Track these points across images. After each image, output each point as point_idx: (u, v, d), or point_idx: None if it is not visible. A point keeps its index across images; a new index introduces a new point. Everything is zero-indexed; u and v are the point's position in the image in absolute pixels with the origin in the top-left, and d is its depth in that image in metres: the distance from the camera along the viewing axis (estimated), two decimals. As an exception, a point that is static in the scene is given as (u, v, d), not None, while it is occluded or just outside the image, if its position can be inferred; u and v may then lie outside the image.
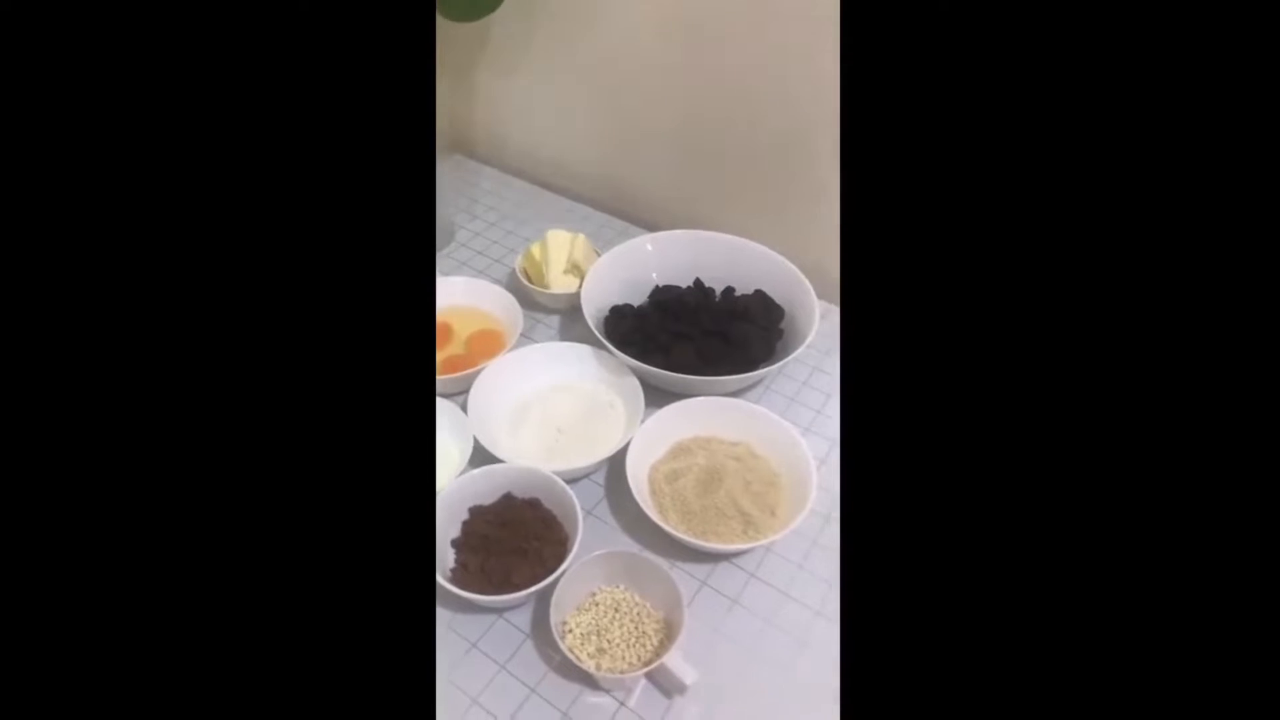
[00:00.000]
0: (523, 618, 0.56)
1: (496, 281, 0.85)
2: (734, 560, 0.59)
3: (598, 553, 0.54)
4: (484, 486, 0.60)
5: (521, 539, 0.56)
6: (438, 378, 0.70)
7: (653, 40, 0.84)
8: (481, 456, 0.62)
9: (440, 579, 0.53)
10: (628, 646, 0.52)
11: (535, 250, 0.81)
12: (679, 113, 0.87)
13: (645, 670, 0.49)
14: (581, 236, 0.81)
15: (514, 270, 0.85)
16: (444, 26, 0.77)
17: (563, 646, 0.50)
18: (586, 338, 0.75)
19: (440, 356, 0.74)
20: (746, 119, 0.83)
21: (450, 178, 1.02)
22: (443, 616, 0.56)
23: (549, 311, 0.82)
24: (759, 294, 0.76)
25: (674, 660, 0.49)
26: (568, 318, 0.82)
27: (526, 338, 0.76)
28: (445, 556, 0.57)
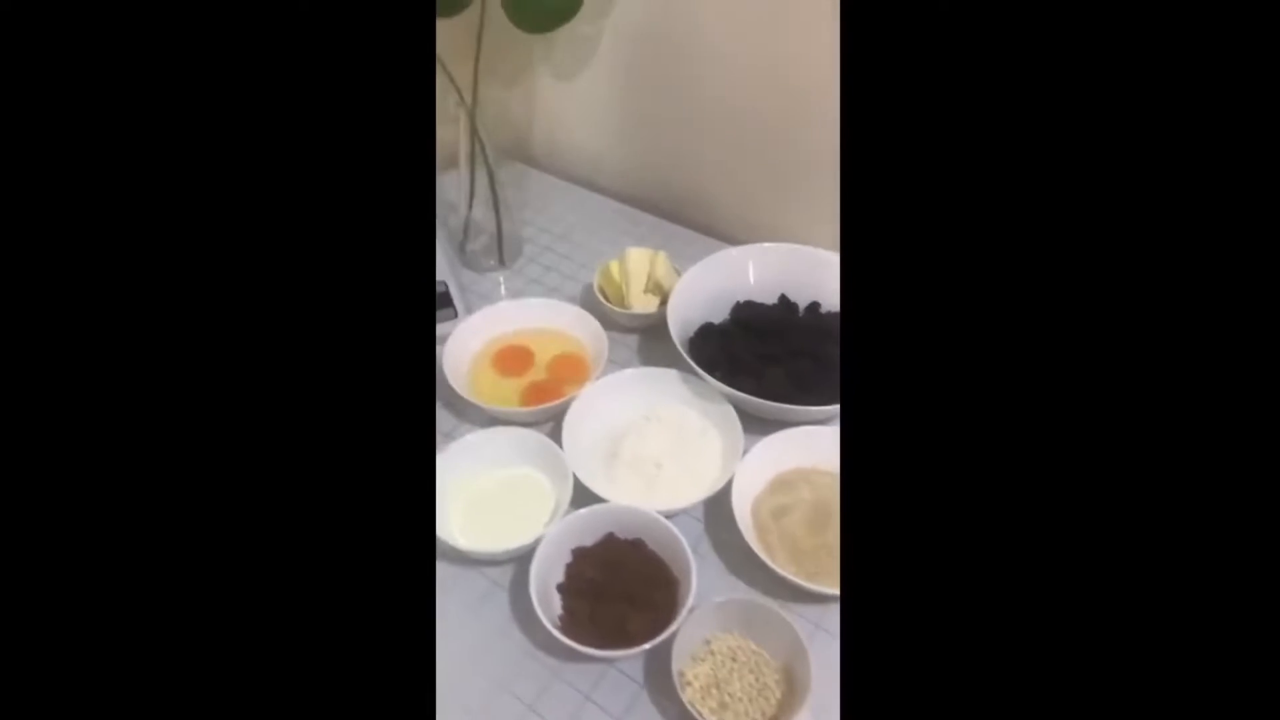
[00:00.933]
0: (634, 666, 0.54)
1: (571, 299, 0.83)
2: (847, 601, 0.57)
3: (715, 601, 0.52)
4: (586, 526, 0.58)
5: (630, 584, 0.54)
6: (519, 408, 0.68)
7: (725, 40, 0.80)
8: (579, 493, 0.60)
9: (550, 627, 0.51)
10: (750, 701, 0.50)
11: (614, 268, 0.78)
12: (754, 118, 0.84)
13: (779, 731, 0.47)
14: (662, 254, 0.78)
15: (588, 287, 0.83)
16: (504, 28, 0.74)
17: (686, 702, 0.49)
18: (666, 358, 0.72)
19: (522, 384, 0.72)
20: (826, 123, 0.79)
21: (513, 188, 0.99)
22: (549, 665, 0.54)
23: (626, 331, 0.79)
24: (852, 312, 0.73)
25: (805, 718, 0.46)
26: (645, 337, 0.79)
27: (612, 362, 0.74)
28: (551, 601, 0.55)
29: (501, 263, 0.88)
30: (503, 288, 0.86)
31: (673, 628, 0.50)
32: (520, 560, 0.59)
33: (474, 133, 0.78)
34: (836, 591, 0.55)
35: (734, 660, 0.52)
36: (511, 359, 0.74)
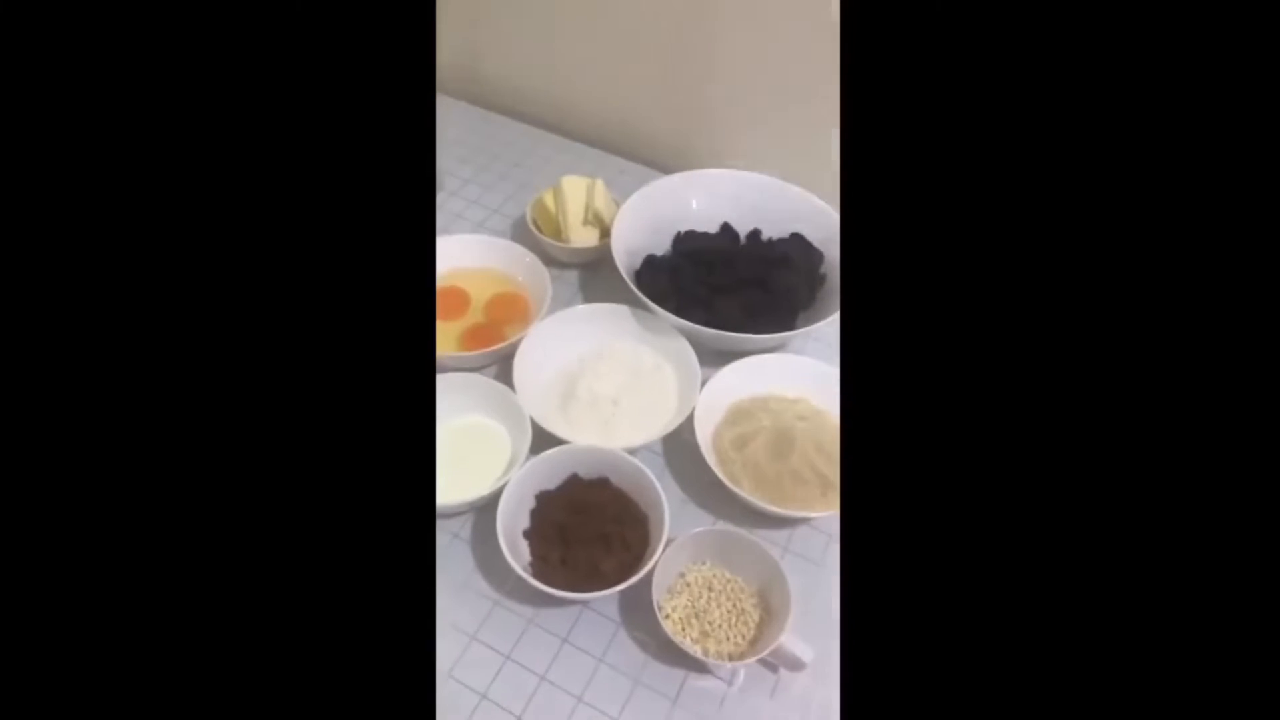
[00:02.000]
0: (609, 605, 0.53)
1: (500, 234, 0.78)
2: (812, 523, 0.58)
3: (689, 533, 0.52)
4: (548, 470, 0.55)
5: (600, 524, 0.53)
6: (464, 352, 0.64)
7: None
8: (535, 437, 0.57)
9: (521, 571, 0.49)
10: (730, 627, 0.50)
11: (548, 199, 0.74)
12: (685, 32, 0.80)
13: (766, 653, 0.47)
14: (600, 182, 0.74)
15: (519, 221, 0.78)
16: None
17: (669, 633, 0.48)
18: (611, 292, 0.70)
19: (459, 327, 0.68)
20: (764, 41, 0.76)
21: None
22: (522, 613, 0.52)
23: (564, 266, 0.76)
24: (797, 238, 0.73)
25: (791, 640, 0.47)
26: (587, 272, 0.76)
27: (553, 299, 0.70)
28: (519, 548, 0.53)
29: (421, 198, 0.81)
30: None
31: (650, 565, 0.49)
32: (480, 511, 0.57)
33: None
34: (804, 514, 0.56)
35: (710, 589, 0.52)
36: (446, 302, 0.69)
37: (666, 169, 0.86)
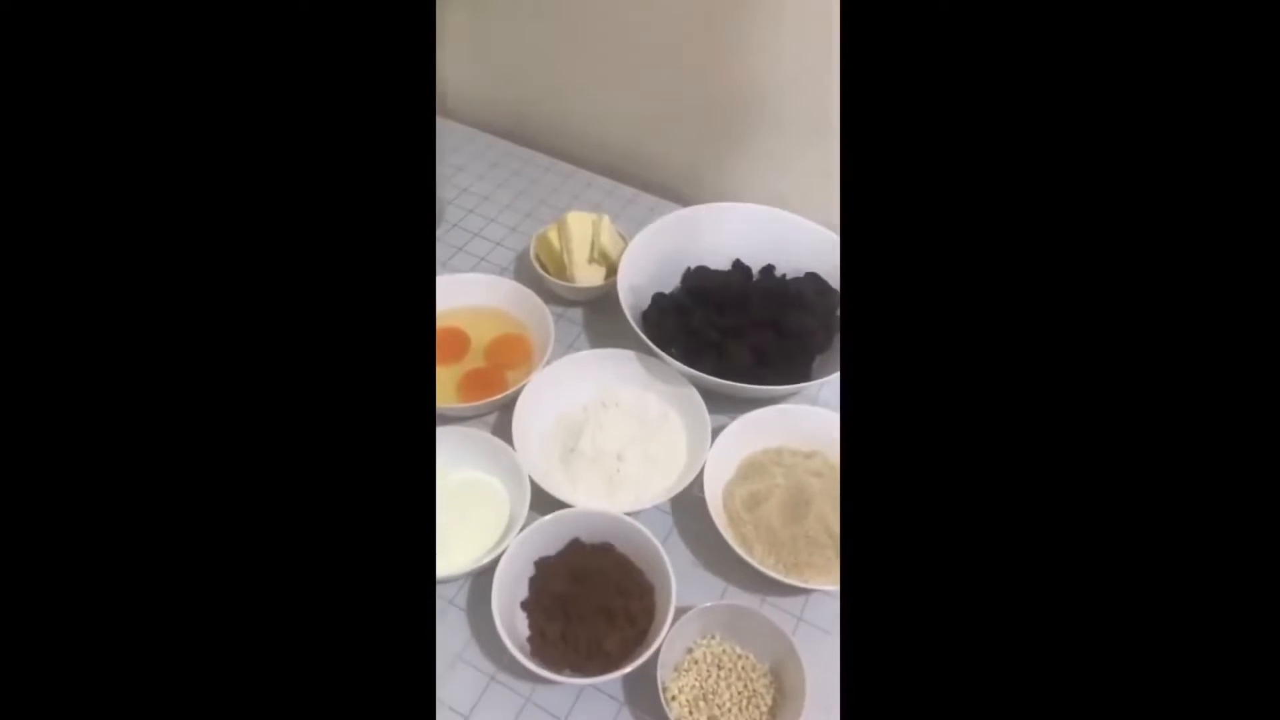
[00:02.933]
0: (613, 683, 0.50)
1: (503, 269, 0.76)
2: (829, 592, 0.55)
3: (697, 609, 0.48)
4: (548, 535, 0.52)
5: (603, 595, 0.50)
6: (462, 404, 0.61)
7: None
8: (534, 496, 0.54)
9: (519, 655, 0.46)
10: (740, 710, 0.47)
11: (552, 235, 0.71)
12: (691, 66, 0.77)
13: (776, 747, 0.44)
14: (606, 219, 0.71)
15: (522, 254, 0.76)
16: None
17: (673, 719, 0.45)
18: (616, 333, 0.67)
19: (459, 372, 0.65)
20: (781, 70, 0.73)
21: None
22: (519, 690, 0.49)
23: (569, 304, 0.73)
24: (812, 277, 0.69)
25: (805, 730, 0.44)
26: (591, 311, 0.73)
27: (555, 341, 0.67)
28: (517, 622, 0.50)
29: (421, 230, 0.78)
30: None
31: (656, 644, 0.46)
32: (478, 574, 0.54)
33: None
34: (819, 586, 0.52)
35: (719, 668, 0.49)
36: (445, 344, 0.66)
37: (678, 198, 0.83)
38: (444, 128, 0.92)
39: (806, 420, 0.61)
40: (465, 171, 0.86)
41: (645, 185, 0.86)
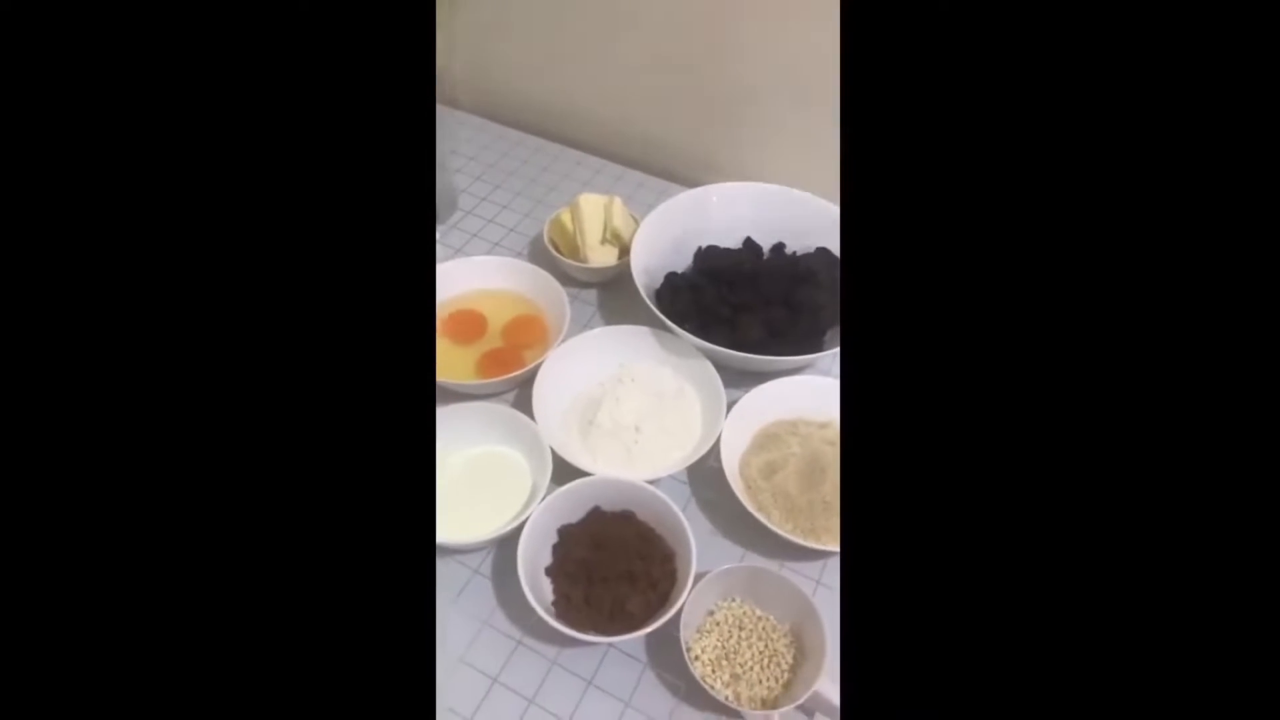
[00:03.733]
0: (636, 645, 0.51)
1: (518, 255, 0.77)
2: (844, 553, 0.56)
3: (718, 570, 0.50)
4: (570, 503, 0.53)
5: (625, 560, 0.51)
6: (481, 380, 0.62)
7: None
8: (556, 467, 0.55)
9: (543, 614, 0.47)
10: (762, 669, 0.48)
11: (565, 218, 0.72)
12: (705, 42, 0.78)
13: (802, 700, 0.45)
14: (617, 200, 0.72)
15: (536, 239, 0.77)
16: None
17: (698, 678, 0.46)
18: (630, 312, 0.68)
19: (477, 352, 0.66)
20: (787, 48, 0.74)
21: (441, 133, 0.90)
22: (545, 653, 0.51)
23: (583, 285, 0.74)
24: (823, 252, 0.70)
25: (827, 686, 0.45)
26: (605, 291, 0.74)
27: (572, 320, 0.68)
28: (541, 586, 0.51)
29: (436, 218, 0.80)
30: (440, 245, 0.78)
31: (678, 605, 0.47)
32: (501, 544, 0.55)
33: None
34: (836, 548, 0.53)
35: (740, 629, 0.50)
36: (463, 326, 0.68)
37: (687, 181, 0.84)
38: (455, 119, 0.93)
39: (819, 391, 0.62)
40: (477, 161, 0.88)
41: (654, 170, 0.87)
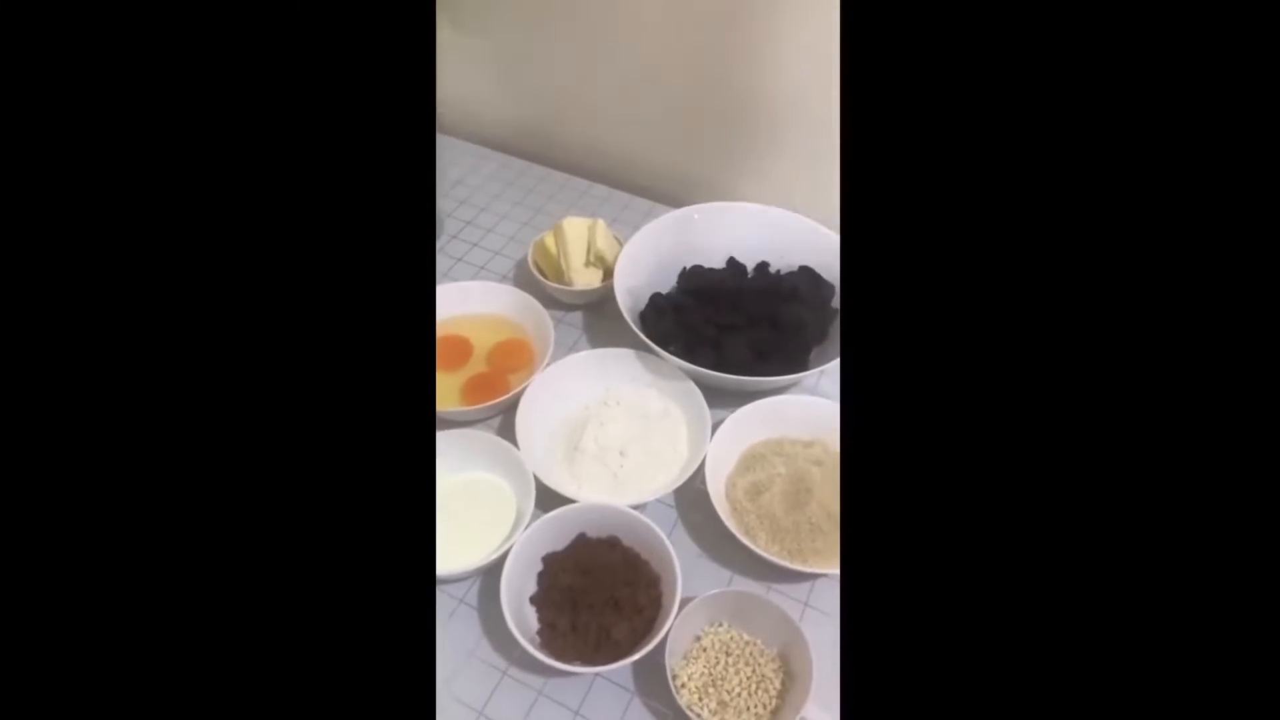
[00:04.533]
0: (623, 673, 0.51)
1: (504, 277, 0.77)
2: (832, 577, 0.55)
3: (704, 596, 0.49)
4: (555, 531, 0.53)
5: (610, 586, 0.51)
6: (465, 408, 0.62)
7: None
8: (540, 493, 0.55)
9: (529, 647, 0.47)
10: (749, 695, 0.48)
11: (549, 241, 0.72)
12: (686, 66, 0.78)
13: (786, 728, 0.45)
14: (600, 222, 0.72)
15: (521, 262, 0.77)
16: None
17: (684, 707, 0.46)
18: (615, 334, 0.68)
19: (462, 377, 0.66)
20: (767, 70, 0.75)
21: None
22: (532, 683, 0.50)
23: (568, 308, 0.74)
24: (805, 270, 0.70)
25: (814, 712, 0.45)
26: (590, 313, 0.74)
27: (556, 343, 0.68)
28: (526, 616, 0.51)
29: (422, 243, 0.80)
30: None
31: (662, 632, 0.47)
32: (486, 573, 0.55)
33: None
34: (823, 570, 0.53)
35: (727, 654, 0.49)
36: (448, 351, 0.68)
37: (673, 201, 0.84)
38: (442, 143, 0.94)
39: (805, 410, 0.62)
40: (463, 184, 0.88)
41: (639, 191, 0.88)
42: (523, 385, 0.62)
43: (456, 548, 0.54)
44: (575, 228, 0.71)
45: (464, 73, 0.93)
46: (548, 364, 0.64)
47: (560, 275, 0.72)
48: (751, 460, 0.60)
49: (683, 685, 0.48)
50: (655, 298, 0.70)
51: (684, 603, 0.49)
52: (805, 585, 0.55)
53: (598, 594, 0.50)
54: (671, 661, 0.48)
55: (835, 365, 0.63)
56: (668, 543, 0.51)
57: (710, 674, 0.49)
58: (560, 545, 0.54)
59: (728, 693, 0.48)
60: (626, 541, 0.54)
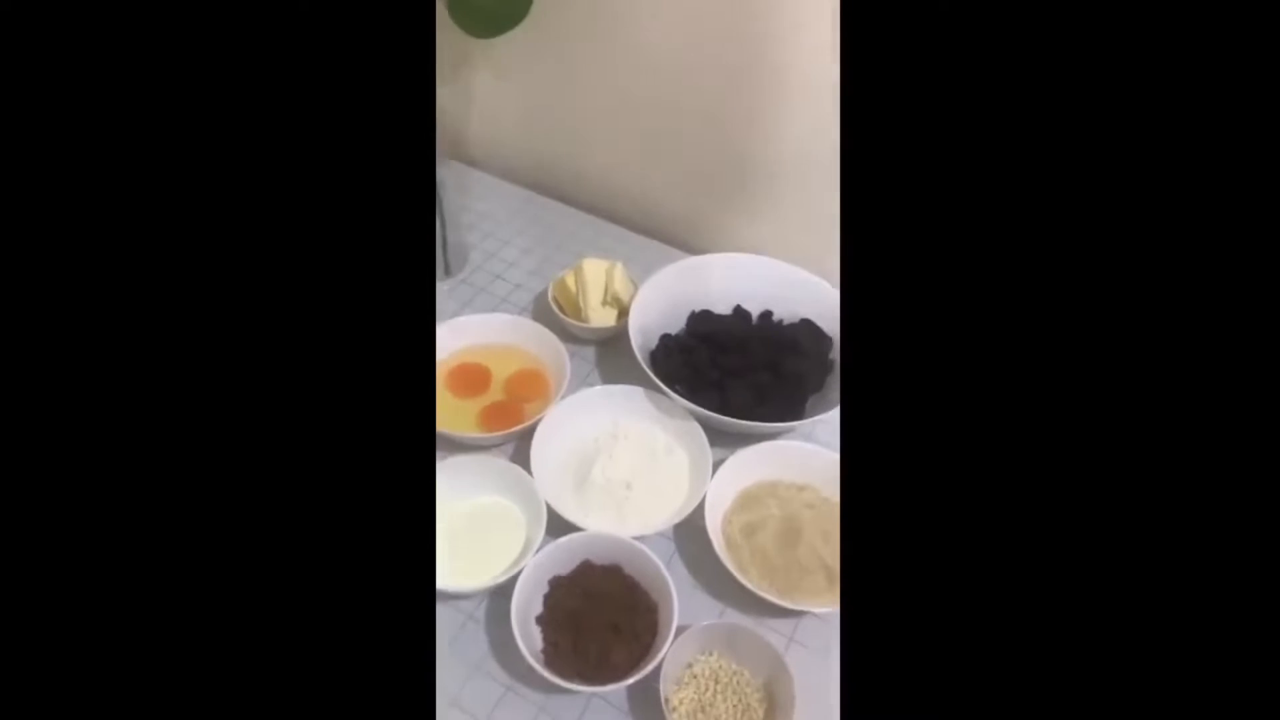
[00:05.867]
0: (618, 695, 0.54)
1: (523, 309, 0.82)
2: (818, 615, 0.59)
3: (697, 626, 0.53)
4: (562, 556, 0.57)
5: (611, 612, 0.54)
6: (483, 434, 0.66)
7: (679, 41, 0.79)
8: (550, 520, 0.59)
9: (534, 663, 0.51)
10: (735, 721, 0.51)
11: (569, 279, 0.77)
12: (704, 121, 0.84)
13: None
14: (619, 266, 0.77)
15: (540, 296, 0.82)
16: (444, 25, 0.71)
17: (674, 730, 0.50)
18: (625, 370, 0.73)
19: (480, 404, 0.70)
20: (776, 132, 0.80)
21: (452, 189, 0.96)
22: (533, 699, 0.54)
23: (582, 343, 0.78)
24: (807, 323, 0.75)
25: (794, 740, 0.48)
26: (603, 349, 0.79)
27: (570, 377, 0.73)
28: (532, 634, 0.54)
29: (447, 272, 0.85)
30: (450, 299, 0.83)
31: (659, 657, 0.51)
32: (494, 592, 0.58)
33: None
34: (810, 608, 0.57)
35: (716, 682, 0.53)
36: (467, 379, 0.72)
37: (684, 246, 0.89)
38: (470, 176, 0.99)
39: (800, 456, 0.66)
40: (489, 218, 0.93)
41: (653, 233, 0.92)
42: (538, 415, 0.66)
43: (470, 566, 0.57)
44: (594, 269, 0.76)
45: (496, 111, 0.98)
46: (563, 396, 0.68)
47: (578, 312, 0.76)
48: (748, 500, 0.64)
49: (674, 709, 0.51)
50: (665, 338, 0.75)
51: (679, 631, 0.53)
52: (792, 621, 0.59)
53: (599, 618, 0.54)
54: (665, 686, 0.51)
55: (831, 415, 0.67)
56: (666, 573, 0.55)
57: (700, 700, 0.52)
58: (566, 570, 0.58)
59: (715, 718, 0.51)
60: (628, 570, 0.57)
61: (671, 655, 0.52)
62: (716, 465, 0.64)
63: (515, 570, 0.55)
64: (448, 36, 0.71)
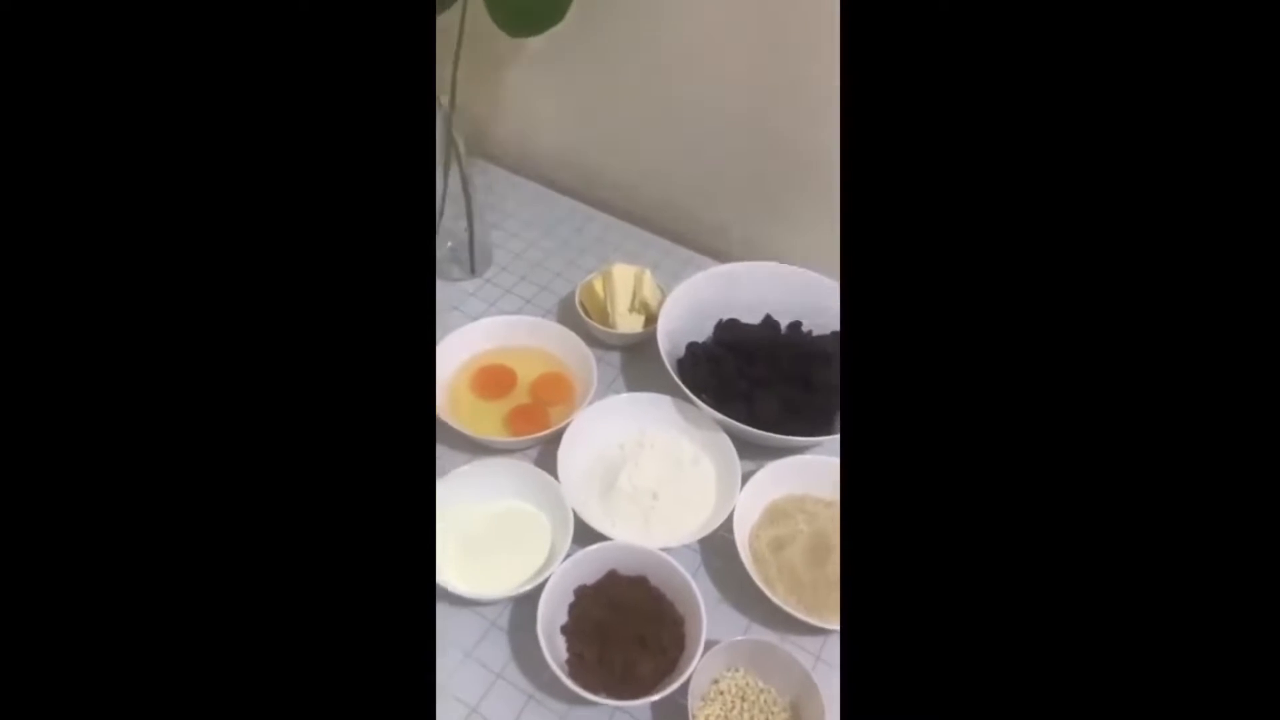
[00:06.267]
0: (642, 709, 0.53)
1: (547, 312, 0.81)
2: (844, 631, 0.58)
3: (724, 643, 0.52)
4: (589, 565, 0.56)
5: (637, 624, 0.54)
6: (510, 437, 0.65)
7: (719, 48, 0.78)
8: (578, 529, 0.58)
9: (561, 674, 0.50)
10: (762, 741, 0.50)
11: (597, 284, 0.76)
12: (743, 132, 0.83)
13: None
14: (648, 272, 0.76)
15: (566, 299, 0.81)
16: (478, 24, 0.70)
17: (700, 747, 0.49)
18: (651, 377, 0.72)
19: (506, 407, 0.70)
20: (812, 141, 0.79)
21: (480, 189, 0.95)
22: (555, 709, 0.53)
23: (608, 348, 0.78)
24: (836, 335, 0.74)
25: (823, 763, 0.47)
26: (629, 355, 0.78)
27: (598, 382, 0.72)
28: (556, 643, 0.53)
29: (472, 271, 0.84)
30: (474, 299, 0.82)
31: (687, 672, 0.50)
32: (518, 599, 0.58)
33: (449, 134, 0.74)
34: (837, 626, 0.56)
35: (743, 699, 0.52)
36: (492, 380, 0.71)
37: (712, 253, 0.88)
38: (496, 175, 0.98)
39: (829, 471, 0.65)
40: (514, 218, 0.92)
41: (681, 239, 0.92)
42: (565, 419, 0.65)
43: (492, 572, 0.57)
44: (623, 274, 0.75)
45: (523, 111, 0.97)
46: (589, 401, 0.67)
47: (605, 317, 0.75)
48: (775, 514, 0.63)
49: (699, 725, 0.51)
50: (692, 345, 0.74)
51: (706, 646, 0.52)
52: (819, 639, 0.58)
53: (625, 630, 0.53)
54: (691, 702, 0.51)
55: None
56: (694, 586, 0.54)
57: (725, 717, 0.51)
58: (592, 579, 0.57)
59: (741, 736, 0.50)
60: (654, 581, 0.57)
61: (699, 669, 0.51)
62: (744, 478, 0.63)
63: (542, 578, 0.54)
64: (481, 32, 0.70)
